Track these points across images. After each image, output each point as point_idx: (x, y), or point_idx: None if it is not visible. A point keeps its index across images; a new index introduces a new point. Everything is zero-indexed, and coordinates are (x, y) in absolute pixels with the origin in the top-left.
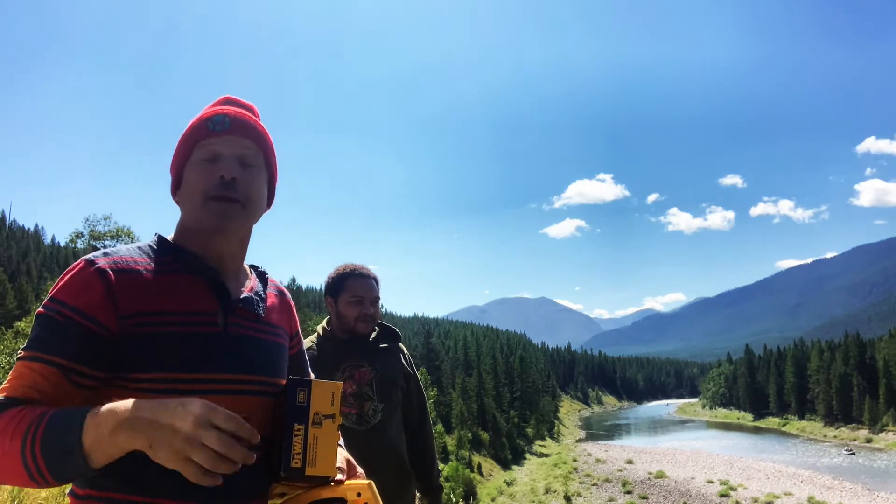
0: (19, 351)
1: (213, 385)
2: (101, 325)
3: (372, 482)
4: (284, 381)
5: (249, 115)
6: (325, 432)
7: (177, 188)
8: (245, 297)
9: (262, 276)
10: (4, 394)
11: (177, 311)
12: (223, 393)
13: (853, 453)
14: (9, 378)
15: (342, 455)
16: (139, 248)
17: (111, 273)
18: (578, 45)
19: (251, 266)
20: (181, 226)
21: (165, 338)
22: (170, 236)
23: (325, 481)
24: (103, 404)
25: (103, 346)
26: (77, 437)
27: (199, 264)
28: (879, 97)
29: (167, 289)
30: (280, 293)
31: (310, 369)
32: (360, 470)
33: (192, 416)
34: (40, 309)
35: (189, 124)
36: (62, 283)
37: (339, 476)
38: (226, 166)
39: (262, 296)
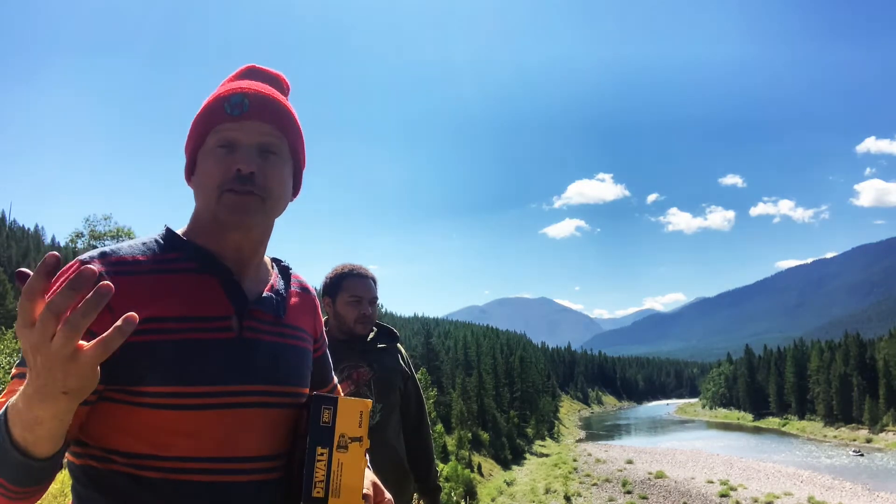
0: (13, 368)
1: (228, 398)
2: (92, 334)
3: None
4: (308, 391)
5: (273, 93)
6: (351, 457)
7: (191, 173)
8: (263, 298)
9: (285, 272)
10: None
11: (184, 316)
12: (240, 406)
13: (861, 454)
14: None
15: (369, 479)
16: (144, 243)
17: (107, 276)
18: (578, 44)
19: (273, 259)
20: (195, 217)
21: (171, 346)
22: (181, 229)
23: None
24: (99, 415)
25: None
26: (3, 429)
27: (210, 262)
28: (879, 97)
29: (174, 291)
30: (304, 290)
31: (333, 373)
32: (388, 496)
33: (30, 340)
34: None
35: (205, 102)
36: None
37: None
38: (243, 158)
39: (284, 295)
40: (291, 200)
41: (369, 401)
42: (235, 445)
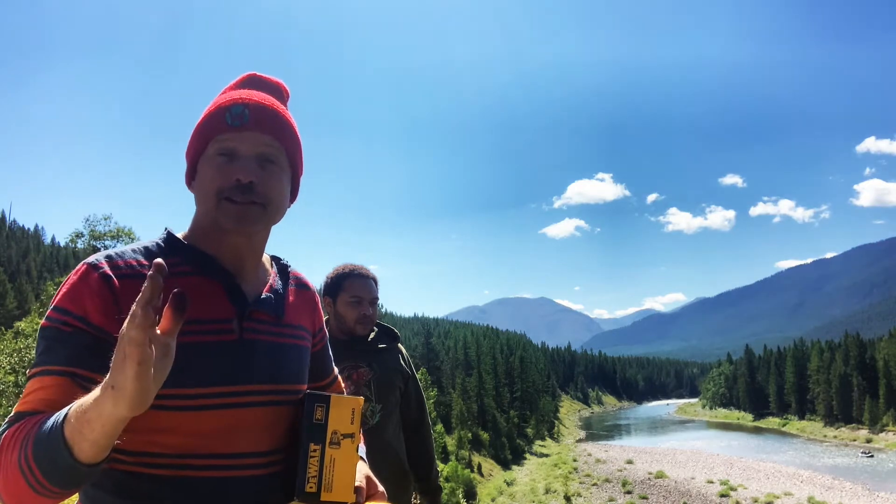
0: (28, 370)
1: (229, 399)
2: (108, 335)
3: None
4: (305, 387)
5: (273, 103)
6: (343, 453)
7: (192, 178)
8: (262, 299)
9: (284, 270)
10: (16, 410)
11: (188, 320)
12: (240, 406)
13: (871, 455)
14: (21, 396)
15: (363, 472)
16: (146, 248)
17: (115, 279)
18: (578, 44)
19: (273, 257)
20: (196, 221)
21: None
22: (182, 233)
23: None
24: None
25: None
26: (59, 427)
27: (212, 266)
28: (879, 97)
29: None
30: (302, 287)
31: (333, 364)
32: (381, 488)
33: (132, 338)
34: (43, 321)
35: (206, 110)
36: (64, 290)
37: (357, 499)
38: (243, 168)
39: (282, 294)
40: (290, 206)
41: (361, 398)
42: (236, 442)
